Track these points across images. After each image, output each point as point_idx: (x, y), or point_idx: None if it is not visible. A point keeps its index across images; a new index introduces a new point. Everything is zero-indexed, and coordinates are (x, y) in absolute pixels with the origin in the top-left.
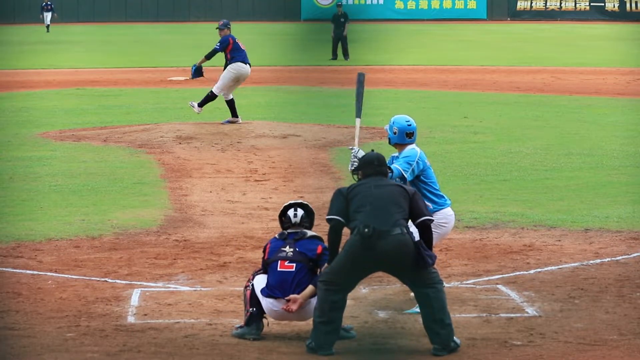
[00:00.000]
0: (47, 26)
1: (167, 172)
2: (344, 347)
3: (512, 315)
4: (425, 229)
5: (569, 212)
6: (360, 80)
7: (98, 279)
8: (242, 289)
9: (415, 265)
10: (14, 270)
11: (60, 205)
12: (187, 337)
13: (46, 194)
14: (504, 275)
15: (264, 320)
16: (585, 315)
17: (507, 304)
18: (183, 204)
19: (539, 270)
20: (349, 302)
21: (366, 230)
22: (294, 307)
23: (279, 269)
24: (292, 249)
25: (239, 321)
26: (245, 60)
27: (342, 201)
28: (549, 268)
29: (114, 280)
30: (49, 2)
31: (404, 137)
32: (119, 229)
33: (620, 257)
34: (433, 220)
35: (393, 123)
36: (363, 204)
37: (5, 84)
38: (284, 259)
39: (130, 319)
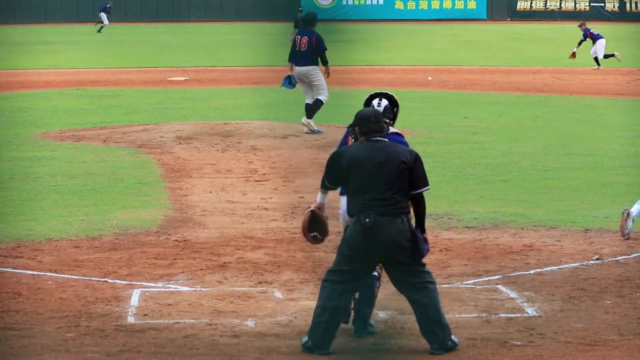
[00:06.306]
0: (103, 26)
1: (167, 172)
2: (343, 347)
3: (512, 315)
4: (420, 200)
5: (569, 212)
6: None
7: (98, 279)
8: (242, 288)
9: (411, 257)
10: (14, 270)
11: (60, 205)
12: (187, 337)
13: (46, 194)
14: (504, 275)
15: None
16: (585, 315)
17: (507, 304)
18: (183, 204)
19: (539, 270)
20: None
21: (367, 220)
22: None
23: None
24: None
25: (239, 321)
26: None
27: (340, 172)
28: (549, 268)
29: (114, 281)
30: (108, 4)
31: None
32: (119, 229)
33: (620, 257)
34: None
35: None
36: (363, 190)
37: (5, 84)
38: None
39: (130, 319)
